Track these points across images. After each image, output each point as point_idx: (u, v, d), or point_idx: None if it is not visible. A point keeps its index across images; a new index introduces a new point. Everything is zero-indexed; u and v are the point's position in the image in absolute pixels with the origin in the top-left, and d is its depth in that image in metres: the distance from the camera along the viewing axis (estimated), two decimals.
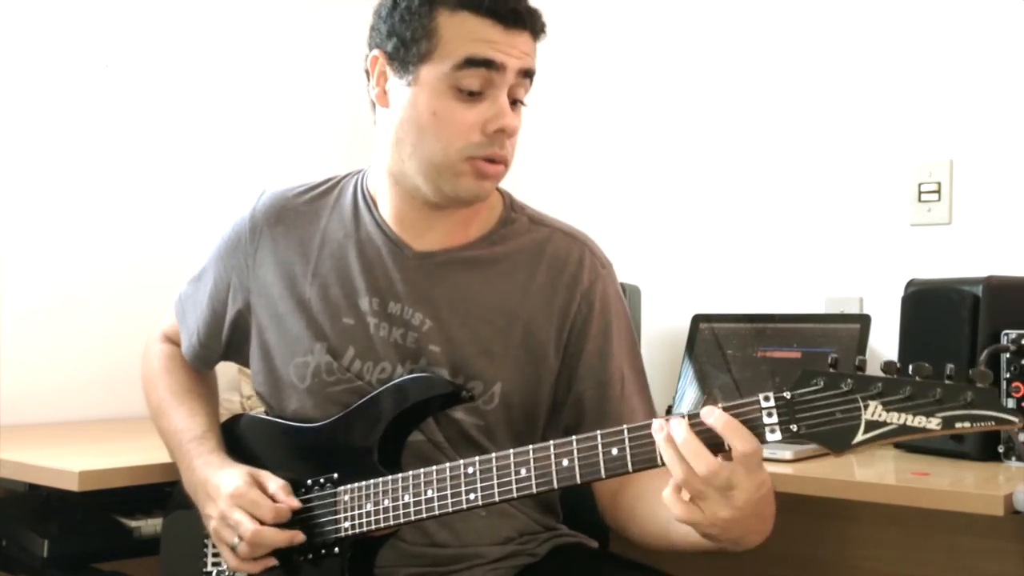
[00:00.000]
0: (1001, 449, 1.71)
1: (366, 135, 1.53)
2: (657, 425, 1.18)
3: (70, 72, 2.33)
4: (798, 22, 2.32)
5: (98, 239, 2.36)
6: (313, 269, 1.49)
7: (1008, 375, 1.71)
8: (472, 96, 1.36)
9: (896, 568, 1.99)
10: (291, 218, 1.52)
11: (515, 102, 1.40)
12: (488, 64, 1.35)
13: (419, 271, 1.46)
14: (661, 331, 2.41)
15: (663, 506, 1.33)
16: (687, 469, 1.14)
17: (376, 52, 1.43)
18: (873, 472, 1.75)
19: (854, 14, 2.24)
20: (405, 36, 1.38)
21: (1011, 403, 1.71)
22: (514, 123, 1.39)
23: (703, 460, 1.13)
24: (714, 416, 1.15)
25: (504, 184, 1.55)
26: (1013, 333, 1.72)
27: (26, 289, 2.26)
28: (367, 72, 1.45)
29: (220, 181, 2.53)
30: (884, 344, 2.06)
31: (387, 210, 1.48)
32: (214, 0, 2.56)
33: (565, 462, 1.23)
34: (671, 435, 1.16)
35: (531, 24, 1.39)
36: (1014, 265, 2.00)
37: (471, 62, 1.35)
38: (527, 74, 1.39)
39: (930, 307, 1.83)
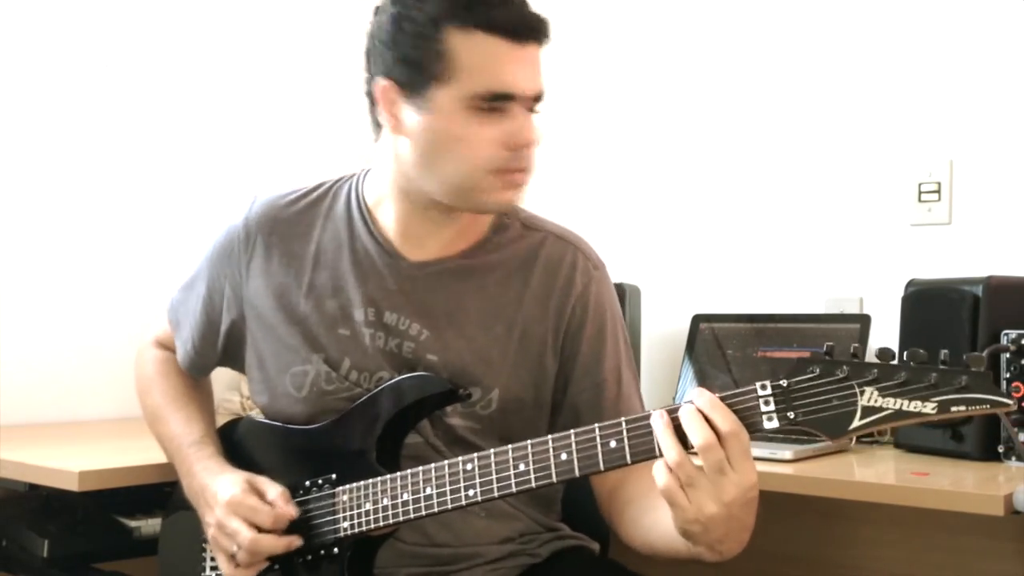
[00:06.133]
0: (1001, 449, 1.71)
1: (360, 137, 1.52)
2: (657, 414, 1.18)
3: (70, 72, 2.33)
4: (798, 23, 2.32)
5: (98, 239, 2.37)
6: (308, 280, 1.48)
7: (1008, 375, 1.71)
8: (492, 112, 1.35)
9: (896, 568, 1.99)
10: (284, 228, 1.51)
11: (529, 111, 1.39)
12: (508, 98, 1.34)
13: (414, 281, 1.46)
14: (661, 331, 2.41)
15: (648, 513, 1.35)
16: (681, 450, 1.15)
17: (384, 81, 1.37)
18: (873, 472, 1.75)
19: (854, 15, 2.24)
20: (417, 60, 1.33)
21: (993, 385, 1.71)
22: (538, 136, 1.38)
23: (702, 432, 1.14)
24: (703, 397, 1.16)
25: None
26: (1013, 333, 1.72)
27: (26, 289, 2.26)
28: (370, 96, 1.42)
29: (219, 182, 2.53)
30: (884, 344, 2.03)
31: (389, 222, 1.47)
32: (213, 2, 2.56)
33: (563, 455, 1.23)
34: (674, 415, 1.17)
35: (541, 34, 1.37)
36: (1014, 265, 2.00)
37: (494, 96, 1.33)
38: (539, 98, 1.39)
39: (930, 307, 1.83)
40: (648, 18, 2.54)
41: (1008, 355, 1.72)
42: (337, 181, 1.55)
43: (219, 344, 1.57)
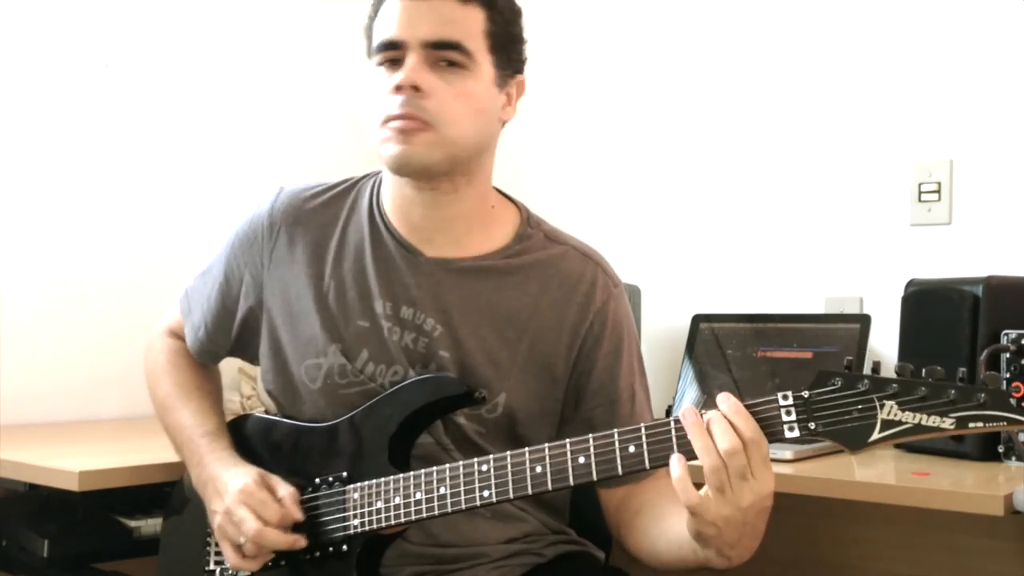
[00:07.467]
0: (1001, 449, 1.71)
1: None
2: (690, 411, 1.20)
3: (70, 72, 2.33)
4: (798, 23, 2.32)
5: (98, 239, 2.36)
6: (331, 271, 1.49)
7: (1008, 375, 1.71)
8: (391, 66, 1.40)
9: (896, 568, 1.99)
10: (309, 219, 1.52)
11: (452, 64, 1.38)
12: (391, 46, 1.39)
13: (432, 277, 1.46)
14: (661, 331, 2.41)
15: (658, 522, 1.36)
16: (718, 454, 1.16)
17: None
18: (873, 472, 1.75)
19: (854, 14, 2.24)
20: (366, 47, 1.47)
21: (1011, 403, 1.71)
22: (408, 76, 1.36)
23: (729, 437, 1.16)
24: (727, 403, 1.18)
25: (505, 184, 1.56)
26: (1013, 333, 1.72)
27: (26, 289, 2.26)
28: None
29: (220, 180, 2.53)
30: (884, 344, 2.06)
31: (395, 215, 1.49)
32: None
33: (581, 459, 1.24)
34: (706, 420, 1.18)
35: None
36: (1014, 265, 2.00)
37: (380, 47, 1.40)
38: (440, 45, 1.38)
39: (930, 307, 1.84)
40: (649, 18, 2.54)
41: (1008, 355, 1.72)
42: (363, 178, 1.57)
43: (233, 331, 1.57)
